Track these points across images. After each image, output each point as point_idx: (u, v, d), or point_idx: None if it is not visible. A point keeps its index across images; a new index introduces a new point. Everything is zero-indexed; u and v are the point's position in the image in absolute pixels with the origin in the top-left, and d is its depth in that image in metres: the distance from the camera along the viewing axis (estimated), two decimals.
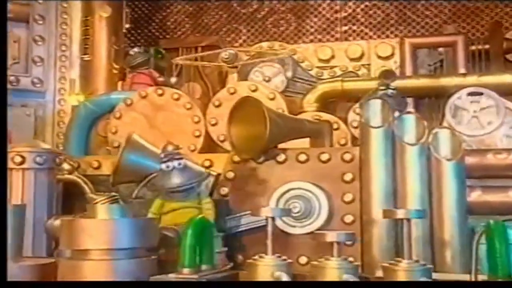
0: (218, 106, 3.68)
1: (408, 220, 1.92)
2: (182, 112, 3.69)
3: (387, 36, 5.06)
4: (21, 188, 2.78)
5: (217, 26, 5.54)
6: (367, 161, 2.50)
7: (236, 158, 2.67)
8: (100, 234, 1.81)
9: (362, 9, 5.23)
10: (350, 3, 5.27)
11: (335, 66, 4.63)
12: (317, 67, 4.66)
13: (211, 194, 2.75)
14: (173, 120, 3.69)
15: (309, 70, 4.68)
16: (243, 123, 2.63)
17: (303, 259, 2.53)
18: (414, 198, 2.42)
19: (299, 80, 4.65)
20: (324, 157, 2.57)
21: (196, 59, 4.65)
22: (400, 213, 1.94)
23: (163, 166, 2.52)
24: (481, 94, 3.16)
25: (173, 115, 3.70)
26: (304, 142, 2.89)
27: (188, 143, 3.58)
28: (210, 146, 3.66)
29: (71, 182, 2.95)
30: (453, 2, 5.02)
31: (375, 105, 2.55)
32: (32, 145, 2.90)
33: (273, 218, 1.89)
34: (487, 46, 4.21)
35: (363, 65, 4.59)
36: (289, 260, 1.86)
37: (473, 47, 4.28)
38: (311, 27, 5.35)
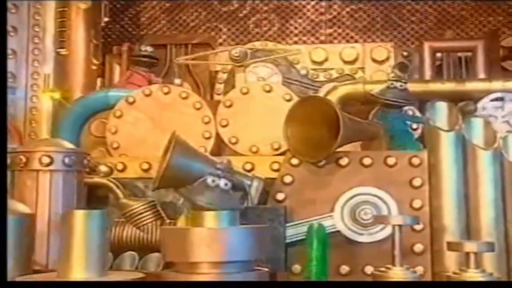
0: (229, 107, 3.48)
1: None
2: (190, 112, 3.47)
3: (373, 40, 5.03)
4: (48, 192, 2.49)
5: (195, 24, 5.31)
6: (437, 166, 2.40)
7: (295, 161, 2.49)
8: (217, 245, 1.59)
9: (347, 12, 5.17)
10: (335, 6, 5.20)
11: (331, 69, 4.55)
12: (311, 69, 4.57)
13: (264, 201, 2.57)
14: (180, 120, 3.47)
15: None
16: (303, 123, 2.47)
17: (369, 269, 2.39)
18: (487, 204, 2.35)
19: (294, 82, 4.52)
20: (391, 161, 2.45)
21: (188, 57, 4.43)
22: None
23: (209, 179, 2.28)
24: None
25: (181, 115, 3.47)
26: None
27: (197, 145, 3.36)
28: (220, 148, 3.47)
29: (99, 186, 2.68)
30: (439, 9, 5.06)
31: (442, 107, 2.47)
32: (58, 145, 2.60)
33: (400, 226, 1.75)
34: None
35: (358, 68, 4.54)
36: (420, 272, 1.72)
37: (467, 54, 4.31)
38: (295, 28, 5.23)
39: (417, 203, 2.42)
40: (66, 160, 2.52)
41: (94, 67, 4.70)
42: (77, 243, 1.68)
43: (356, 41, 5.05)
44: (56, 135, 3.88)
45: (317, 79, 4.52)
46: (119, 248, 2.51)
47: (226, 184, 2.25)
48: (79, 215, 1.70)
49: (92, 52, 4.70)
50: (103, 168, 2.62)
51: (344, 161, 2.48)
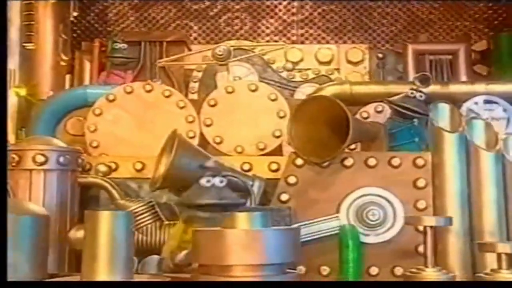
0: (213, 106, 3.43)
1: None
2: (174, 110, 3.40)
3: (344, 42, 5.06)
4: (42, 192, 2.38)
5: (165, 21, 5.22)
6: (441, 167, 2.41)
7: (299, 162, 2.46)
8: (256, 247, 1.54)
9: (319, 13, 5.19)
10: (307, 7, 5.21)
11: (308, 69, 4.56)
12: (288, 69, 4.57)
13: (265, 201, 2.53)
14: (163, 119, 3.40)
15: (280, 72, 4.56)
16: (308, 123, 2.44)
17: (374, 270, 2.38)
18: (490, 205, 2.37)
19: (270, 82, 4.50)
20: (395, 162, 2.45)
21: (162, 54, 4.35)
22: None
23: (204, 181, 2.23)
24: (496, 103, 3.23)
25: (164, 114, 3.40)
26: None
27: None
28: (204, 148, 3.41)
29: (94, 186, 2.57)
30: (408, 13, 5.14)
31: (444, 108, 2.49)
32: (51, 143, 2.49)
33: (431, 227, 1.74)
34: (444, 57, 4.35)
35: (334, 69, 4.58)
36: (452, 274, 1.72)
37: (439, 57, 4.39)
38: (267, 28, 5.21)
39: (421, 204, 2.42)
40: (61, 159, 2.42)
41: (63, 63, 4.56)
42: (103, 245, 1.60)
43: (327, 42, 5.07)
44: (29, 132, 3.74)
45: (293, 79, 4.52)
46: None
47: (221, 181, 2.21)
48: (105, 216, 1.62)
49: (61, 48, 4.56)
50: (102, 168, 2.52)
51: (349, 161, 2.46)
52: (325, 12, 5.17)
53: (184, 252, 1.82)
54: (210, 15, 5.22)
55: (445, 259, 2.38)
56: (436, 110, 2.48)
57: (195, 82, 4.53)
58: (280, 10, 5.22)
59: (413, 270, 1.74)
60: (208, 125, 3.35)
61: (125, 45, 3.94)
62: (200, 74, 4.54)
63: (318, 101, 2.44)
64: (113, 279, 1.58)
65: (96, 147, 3.25)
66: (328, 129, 2.44)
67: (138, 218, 2.43)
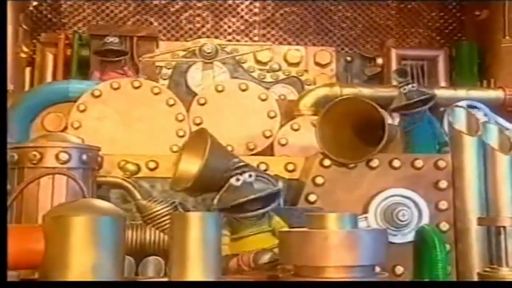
0: (203, 104, 3.40)
1: None
2: (163, 108, 3.36)
3: (306, 44, 5.10)
4: (65, 191, 2.24)
5: (124, 15, 5.04)
6: (461, 169, 2.50)
7: (327, 163, 2.47)
8: (351, 248, 1.53)
9: (281, 14, 5.20)
10: (269, 7, 5.21)
11: (278, 70, 4.57)
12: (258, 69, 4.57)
13: (285, 202, 2.52)
14: (152, 117, 3.34)
15: (251, 72, 4.54)
16: (336, 124, 2.45)
17: (399, 269, 2.44)
18: (508, 205, 2.48)
19: None
20: (418, 163, 2.52)
21: (132, 49, 4.20)
22: None
23: (233, 180, 2.20)
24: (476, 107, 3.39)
25: (153, 112, 3.34)
26: None
27: (170, 144, 3.27)
28: None
29: (113, 186, 2.45)
30: (367, 18, 5.25)
31: (461, 113, 2.58)
32: (69, 140, 2.35)
33: (504, 228, 1.80)
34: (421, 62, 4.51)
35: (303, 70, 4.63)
36: None
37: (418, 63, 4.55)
38: (229, 27, 5.16)
39: (443, 205, 2.50)
40: (83, 157, 2.30)
41: (23, 55, 4.30)
42: (194, 247, 1.54)
43: (289, 43, 5.09)
44: None
45: (264, 80, 4.52)
46: (141, 253, 2.32)
47: (250, 176, 2.18)
48: (195, 217, 1.56)
49: (22, 39, 4.30)
50: (130, 167, 2.40)
51: (374, 163, 2.50)
52: (287, 14, 5.18)
53: (269, 255, 1.78)
54: (171, 12, 5.09)
55: (465, 258, 2.47)
56: (453, 114, 2.57)
57: (164, 79, 4.42)
58: (242, 10, 5.18)
59: (488, 269, 1.79)
60: (197, 124, 3.32)
61: (116, 38, 3.75)
62: (169, 71, 4.44)
63: (349, 102, 2.46)
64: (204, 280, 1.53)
65: None
66: (356, 131, 2.47)
67: (164, 219, 2.34)
